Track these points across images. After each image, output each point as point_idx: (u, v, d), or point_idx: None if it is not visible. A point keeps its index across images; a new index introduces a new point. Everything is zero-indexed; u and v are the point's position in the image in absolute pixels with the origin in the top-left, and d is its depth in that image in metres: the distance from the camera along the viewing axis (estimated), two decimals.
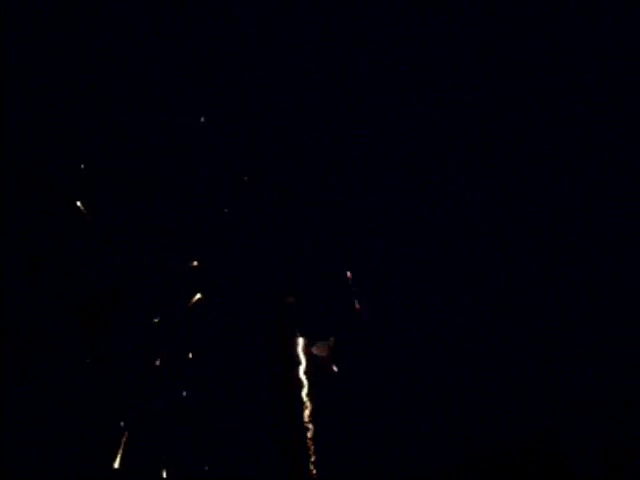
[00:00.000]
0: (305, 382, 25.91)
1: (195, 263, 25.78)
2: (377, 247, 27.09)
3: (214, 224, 26.99)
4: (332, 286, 26.68)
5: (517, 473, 24.93)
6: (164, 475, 24.58)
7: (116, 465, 24.22)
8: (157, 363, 25.55)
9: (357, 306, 26.11)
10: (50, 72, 26.18)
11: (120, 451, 24.61)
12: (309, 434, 25.84)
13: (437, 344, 27.05)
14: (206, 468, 25.31)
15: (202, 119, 26.06)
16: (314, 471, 26.07)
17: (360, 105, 27.12)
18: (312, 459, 26.06)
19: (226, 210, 26.66)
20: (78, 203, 25.61)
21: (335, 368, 25.54)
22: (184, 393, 25.73)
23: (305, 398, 25.98)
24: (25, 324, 25.07)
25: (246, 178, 26.41)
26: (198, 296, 24.86)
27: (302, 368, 25.75)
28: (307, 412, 26.04)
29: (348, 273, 26.21)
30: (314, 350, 25.22)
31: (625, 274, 26.69)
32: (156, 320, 25.92)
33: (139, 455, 24.96)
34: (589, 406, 25.72)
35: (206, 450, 25.60)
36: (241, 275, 26.39)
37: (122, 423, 24.95)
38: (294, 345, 25.74)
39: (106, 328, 25.37)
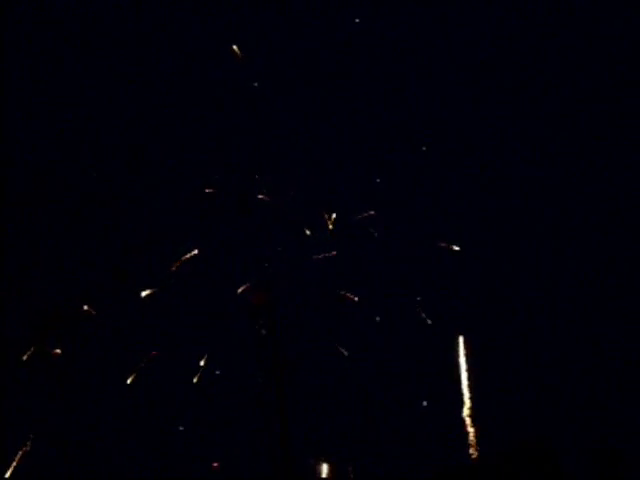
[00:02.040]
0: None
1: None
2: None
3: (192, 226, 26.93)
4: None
5: (514, 477, 24.64)
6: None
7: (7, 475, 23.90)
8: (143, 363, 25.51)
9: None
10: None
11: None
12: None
13: (431, 348, 26.79)
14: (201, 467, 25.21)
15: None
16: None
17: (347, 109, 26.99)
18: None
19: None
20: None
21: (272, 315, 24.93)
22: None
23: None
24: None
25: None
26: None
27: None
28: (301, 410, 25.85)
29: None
30: (252, 298, 24.50)
31: (620, 283, 26.22)
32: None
33: (133, 456, 24.99)
34: (580, 412, 25.36)
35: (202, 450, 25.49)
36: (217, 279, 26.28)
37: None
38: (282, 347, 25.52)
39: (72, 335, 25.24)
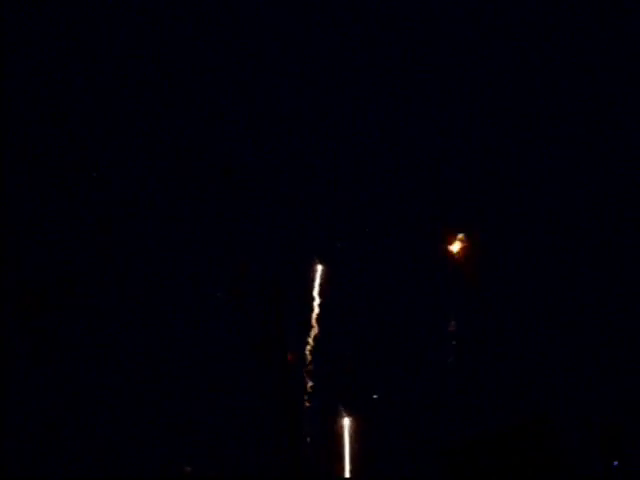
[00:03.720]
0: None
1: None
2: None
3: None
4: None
5: (512, 456, 25.37)
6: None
7: None
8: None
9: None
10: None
11: None
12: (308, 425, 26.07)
13: (437, 332, 27.22)
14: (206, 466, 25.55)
15: None
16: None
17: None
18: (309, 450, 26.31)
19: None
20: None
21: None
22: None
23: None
24: None
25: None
26: None
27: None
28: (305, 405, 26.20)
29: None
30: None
31: (622, 271, 26.61)
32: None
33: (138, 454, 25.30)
34: (581, 390, 25.96)
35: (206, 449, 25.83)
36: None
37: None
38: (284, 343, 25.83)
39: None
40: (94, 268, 26.20)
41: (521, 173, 27.46)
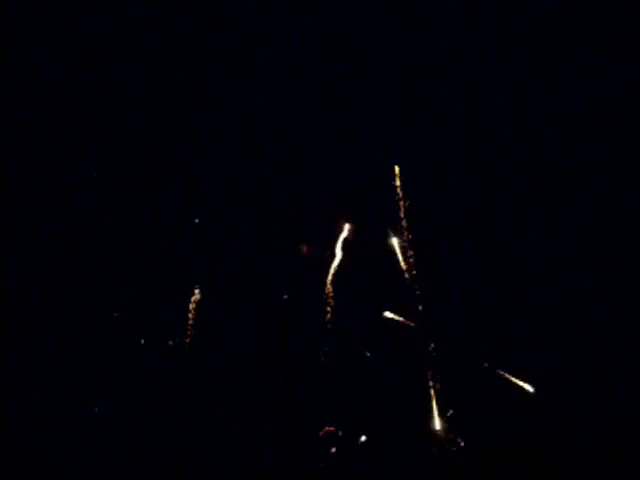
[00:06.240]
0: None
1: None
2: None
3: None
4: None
5: (516, 472, 24.97)
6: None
7: None
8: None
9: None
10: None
11: None
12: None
13: (434, 345, 27.00)
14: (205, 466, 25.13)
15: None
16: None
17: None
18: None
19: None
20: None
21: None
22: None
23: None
24: None
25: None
26: None
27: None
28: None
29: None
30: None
31: (622, 278, 26.57)
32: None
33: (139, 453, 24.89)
34: (585, 405, 25.68)
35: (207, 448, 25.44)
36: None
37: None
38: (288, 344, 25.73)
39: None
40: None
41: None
